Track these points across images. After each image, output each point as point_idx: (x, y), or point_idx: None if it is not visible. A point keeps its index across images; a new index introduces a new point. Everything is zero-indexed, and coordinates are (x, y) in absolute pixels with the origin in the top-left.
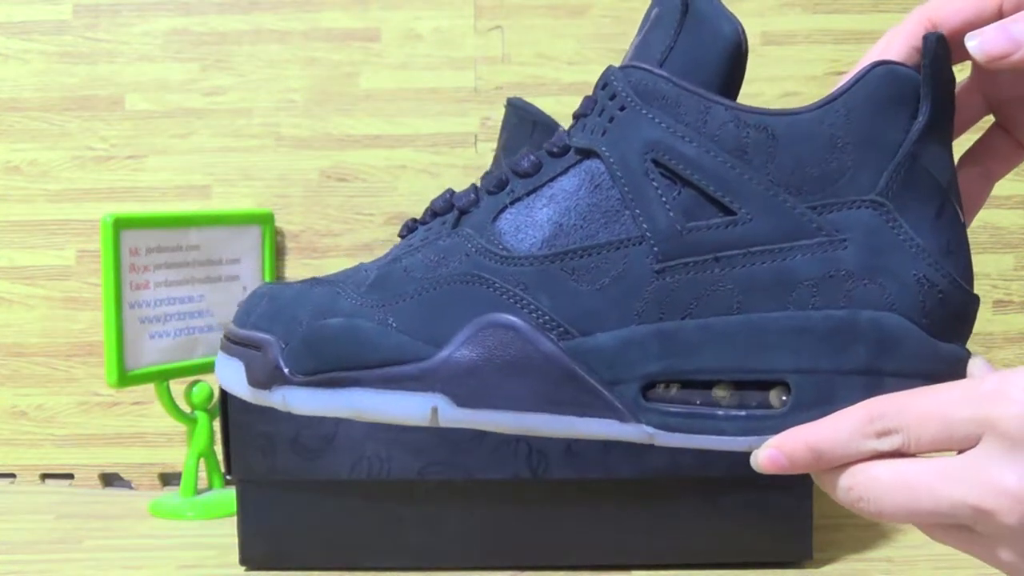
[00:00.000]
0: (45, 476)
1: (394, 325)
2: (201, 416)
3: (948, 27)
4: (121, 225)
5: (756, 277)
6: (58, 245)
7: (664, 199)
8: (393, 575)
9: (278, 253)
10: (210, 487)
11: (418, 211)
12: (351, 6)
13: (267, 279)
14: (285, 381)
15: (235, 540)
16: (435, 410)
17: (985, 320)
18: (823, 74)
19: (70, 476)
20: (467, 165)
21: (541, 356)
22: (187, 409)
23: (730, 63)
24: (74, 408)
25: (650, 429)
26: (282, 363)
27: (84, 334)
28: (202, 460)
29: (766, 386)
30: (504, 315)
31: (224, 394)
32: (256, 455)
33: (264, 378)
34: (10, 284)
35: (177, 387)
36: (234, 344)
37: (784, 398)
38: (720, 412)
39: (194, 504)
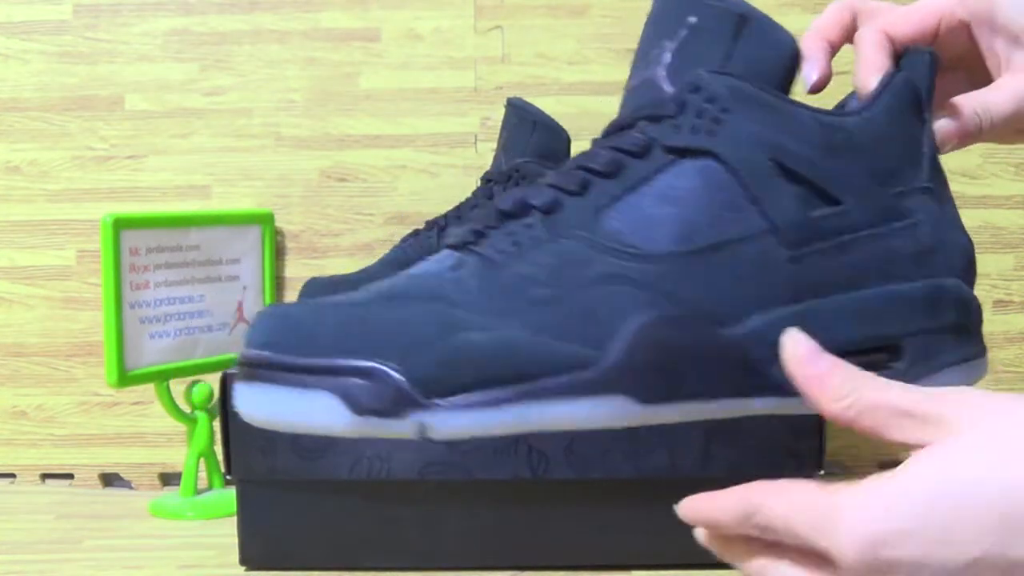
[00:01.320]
0: (45, 476)
1: (545, 333)
2: (201, 416)
3: (899, 41)
4: (121, 225)
5: (869, 257)
6: (58, 245)
7: (787, 193)
8: (393, 575)
9: (278, 253)
10: (210, 487)
11: (418, 211)
12: (351, 6)
13: (267, 279)
14: (421, 406)
15: (235, 540)
16: (619, 410)
17: (985, 320)
18: None
19: (70, 476)
20: (467, 165)
21: (708, 346)
22: (187, 409)
23: (789, 73)
24: (74, 408)
25: None
26: (408, 388)
27: (84, 334)
28: (202, 460)
29: (885, 350)
30: (657, 311)
31: (224, 394)
32: (256, 455)
33: (386, 406)
34: (10, 284)
35: (177, 387)
36: (303, 374)
37: (898, 359)
38: None
39: (194, 504)
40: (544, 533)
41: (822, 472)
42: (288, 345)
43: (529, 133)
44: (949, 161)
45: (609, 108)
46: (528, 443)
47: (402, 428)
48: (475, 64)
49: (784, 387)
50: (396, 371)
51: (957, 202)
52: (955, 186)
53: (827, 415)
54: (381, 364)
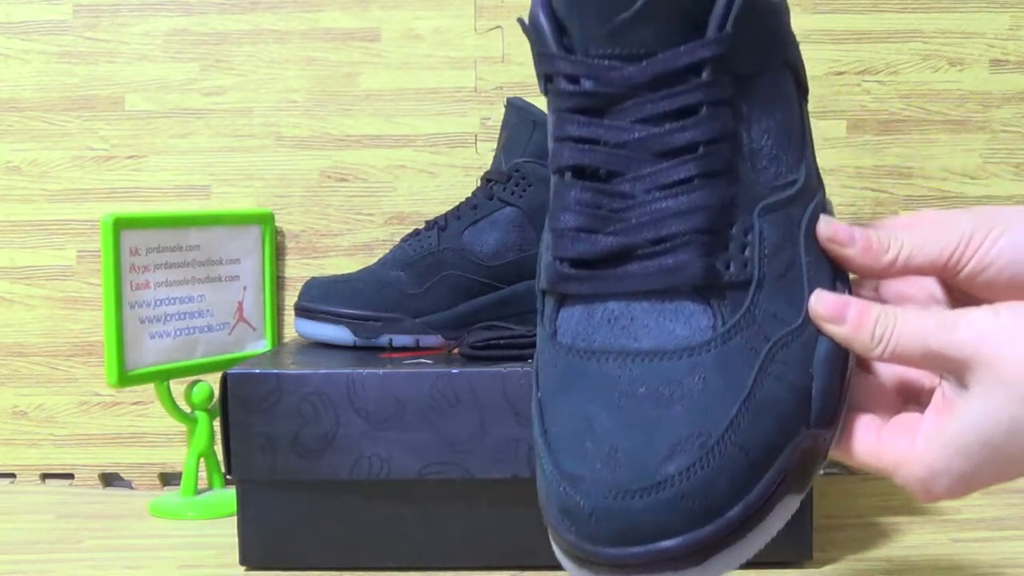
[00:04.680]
0: (45, 476)
1: None
2: (201, 416)
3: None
4: (121, 225)
5: None
6: (58, 245)
7: None
8: (393, 575)
9: (278, 253)
10: (210, 487)
11: (418, 211)
12: (351, 6)
13: (267, 279)
14: None
15: (235, 540)
16: None
17: None
18: (823, 74)
19: (70, 476)
20: (467, 165)
21: None
22: (187, 409)
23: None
24: (74, 408)
25: None
26: None
27: (84, 334)
28: (202, 460)
29: None
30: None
31: (224, 394)
32: (256, 455)
33: None
34: (10, 284)
35: (177, 387)
36: None
37: None
38: None
39: (194, 504)
40: (544, 533)
41: (822, 472)
42: None
43: (529, 133)
44: (950, 161)
45: None
46: (528, 443)
47: None
48: (475, 64)
49: None
50: None
51: (957, 202)
52: (955, 186)
53: (863, 356)
54: None
